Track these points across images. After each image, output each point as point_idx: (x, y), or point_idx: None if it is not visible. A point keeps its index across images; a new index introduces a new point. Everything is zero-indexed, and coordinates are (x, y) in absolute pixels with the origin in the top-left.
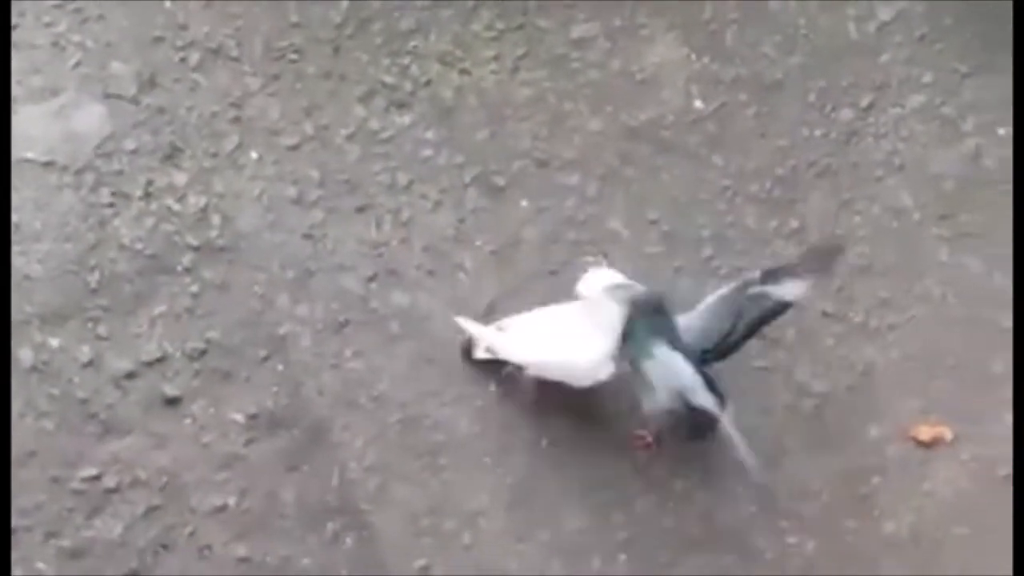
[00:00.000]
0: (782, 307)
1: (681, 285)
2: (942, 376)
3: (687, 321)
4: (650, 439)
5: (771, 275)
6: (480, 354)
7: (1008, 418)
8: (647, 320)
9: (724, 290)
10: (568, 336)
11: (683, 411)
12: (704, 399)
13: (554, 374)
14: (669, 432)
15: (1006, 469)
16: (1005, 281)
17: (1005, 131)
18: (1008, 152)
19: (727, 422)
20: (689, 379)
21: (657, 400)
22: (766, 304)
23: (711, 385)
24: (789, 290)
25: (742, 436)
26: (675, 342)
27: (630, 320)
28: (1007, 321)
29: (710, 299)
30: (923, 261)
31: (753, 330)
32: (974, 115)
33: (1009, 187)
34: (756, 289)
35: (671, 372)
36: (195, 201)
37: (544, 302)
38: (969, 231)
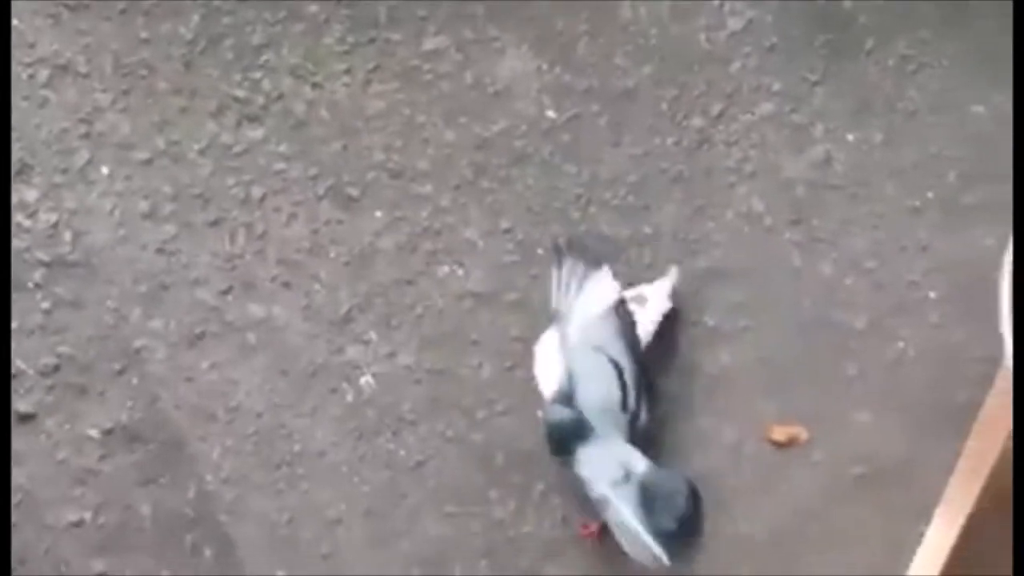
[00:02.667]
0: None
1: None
2: (796, 378)
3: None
4: (595, 529)
5: (633, 299)
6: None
7: (861, 417)
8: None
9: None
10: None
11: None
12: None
13: None
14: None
15: (859, 468)
16: (856, 284)
17: (853, 137)
18: (857, 158)
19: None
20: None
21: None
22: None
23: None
24: (656, 300)
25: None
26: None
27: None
28: (859, 323)
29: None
30: (776, 265)
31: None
32: (823, 122)
33: (858, 192)
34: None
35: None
36: (46, 217)
37: (399, 313)
38: (820, 236)
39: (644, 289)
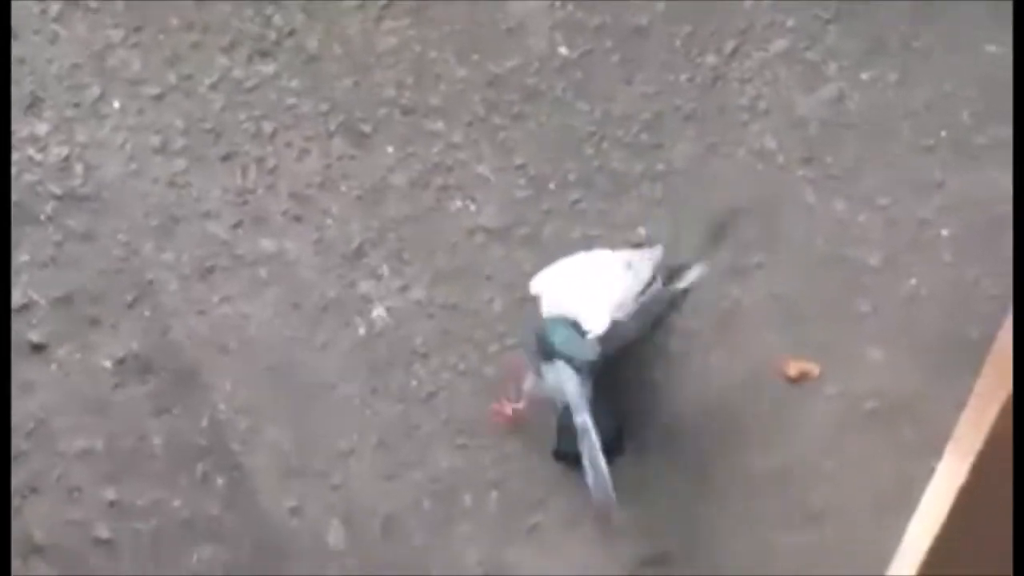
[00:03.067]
0: (681, 297)
1: (548, 231)
2: (809, 314)
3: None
4: (510, 413)
5: (675, 273)
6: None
7: (874, 354)
8: (565, 332)
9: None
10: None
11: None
12: (580, 420)
13: None
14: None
15: (872, 403)
16: (870, 221)
17: (867, 75)
18: (871, 97)
19: (593, 455)
20: (575, 399)
21: (541, 389)
22: (664, 298)
23: (596, 419)
24: (686, 278)
25: (607, 477)
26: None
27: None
28: (873, 260)
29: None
30: (789, 202)
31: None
32: (836, 60)
33: (872, 130)
34: (659, 290)
35: (561, 386)
36: (57, 151)
37: (411, 248)
38: (834, 173)
39: (633, 256)
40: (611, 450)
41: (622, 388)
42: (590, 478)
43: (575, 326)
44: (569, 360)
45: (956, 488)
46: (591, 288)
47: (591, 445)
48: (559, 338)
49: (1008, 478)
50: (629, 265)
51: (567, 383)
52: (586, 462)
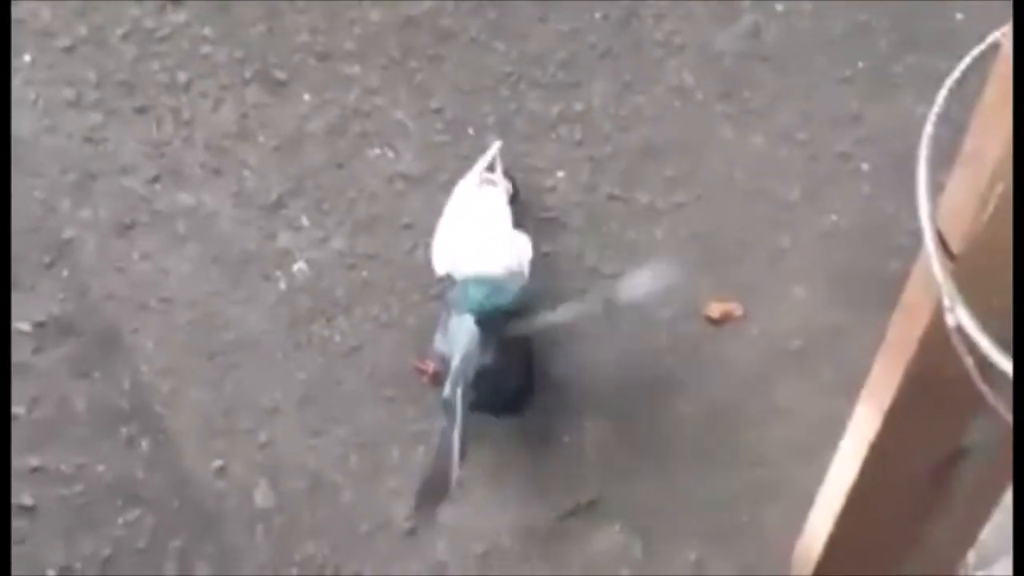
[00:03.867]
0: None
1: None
2: (730, 253)
3: None
4: (430, 371)
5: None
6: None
7: (796, 291)
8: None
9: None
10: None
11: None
12: (449, 392)
13: None
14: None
15: (796, 342)
16: (789, 155)
17: (782, 6)
18: (786, 29)
19: (452, 433)
20: (461, 352)
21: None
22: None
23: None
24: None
25: (458, 453)
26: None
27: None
28: (792, 195)
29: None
30: (708, 139)
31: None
32: None
33: (788, 63)
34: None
35: (459, 343)
36: None
37: (330, 197)
38: (751, 108)
39: (488, 174)
40: (510, 407)
41: (537, 337)
42: (438, 449)
43: (489, 283)
44: (477, 313)
45: (873, 432)
46: (479, 240)
47: (450, 418)
48: (474, 294)
49: (925, 415)
50: (491, 183)
51: (462, 336)
52: (440, 435)
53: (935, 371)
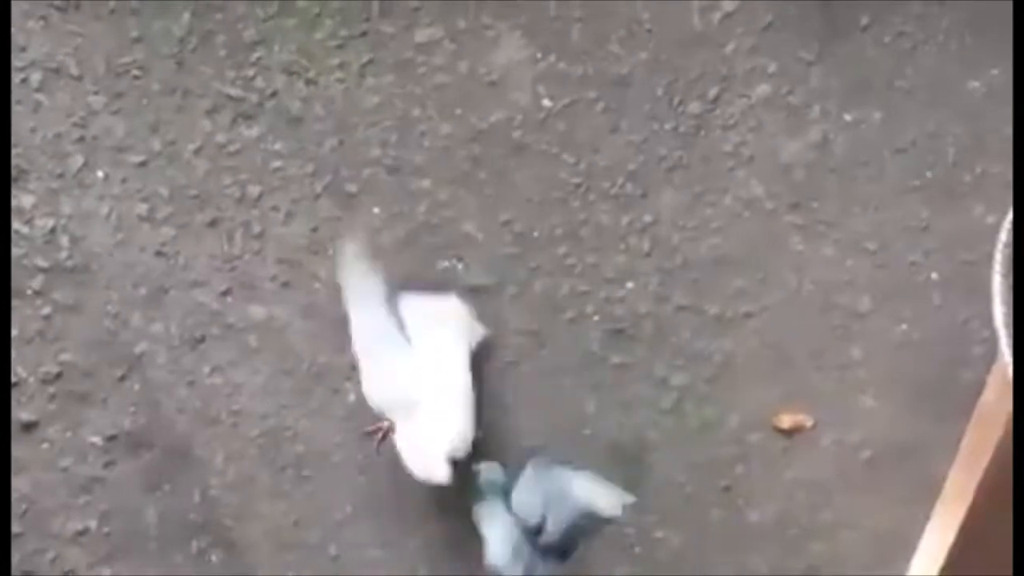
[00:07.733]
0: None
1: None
2: (800, 363)
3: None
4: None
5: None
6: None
7: (867, 402)
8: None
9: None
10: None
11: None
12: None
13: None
14: None
15: (867, 453)
16: (858, 266)
17: (851, 117)
18: (855, 138)
19: None
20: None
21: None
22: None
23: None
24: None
25: None
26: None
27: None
28: (863, 306)
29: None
30: (777, 250)
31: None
32: (820, 102)
33: (857, 173)
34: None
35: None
36: (43, 223)
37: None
38: (821, 218)
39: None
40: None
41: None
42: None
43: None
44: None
45: (951, 539)
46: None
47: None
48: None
49: (1002, 523)
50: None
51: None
52: None
53: (1012, 478)
